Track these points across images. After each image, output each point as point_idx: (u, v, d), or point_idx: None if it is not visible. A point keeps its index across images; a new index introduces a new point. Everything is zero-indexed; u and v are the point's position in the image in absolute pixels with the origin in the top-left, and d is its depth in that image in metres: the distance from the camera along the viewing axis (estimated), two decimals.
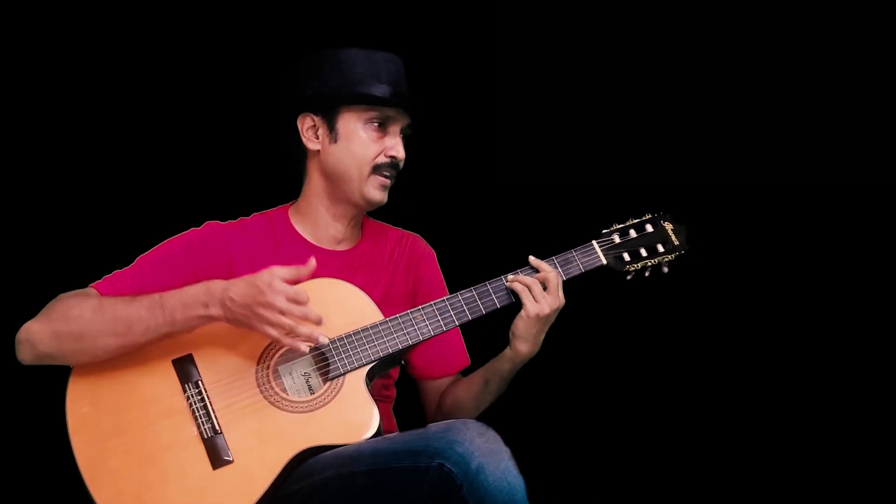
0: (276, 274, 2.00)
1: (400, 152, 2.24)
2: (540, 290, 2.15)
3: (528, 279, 2.17)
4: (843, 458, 2.94)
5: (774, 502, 2.96)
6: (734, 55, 2.96)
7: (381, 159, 2.23)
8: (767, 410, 3.00)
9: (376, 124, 2.23)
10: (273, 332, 2.00)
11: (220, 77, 2.97)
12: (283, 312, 1.99)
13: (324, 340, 2.04)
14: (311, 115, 2.24)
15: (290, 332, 2.00)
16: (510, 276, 2.19)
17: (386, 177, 2.23)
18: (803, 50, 2.94)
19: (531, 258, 2.20)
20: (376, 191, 2.24)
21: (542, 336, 2.19)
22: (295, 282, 2.03)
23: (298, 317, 2.00)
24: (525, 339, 2.17)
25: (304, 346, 2.02)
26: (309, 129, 2.25)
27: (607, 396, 3.05)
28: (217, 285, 2.04)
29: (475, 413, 2.29)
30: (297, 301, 1.99)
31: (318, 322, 2.02)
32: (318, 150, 2.25)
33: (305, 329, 2.01)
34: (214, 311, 2.04)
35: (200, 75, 2.97)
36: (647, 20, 2.99)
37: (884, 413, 2.94)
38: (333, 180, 2.25)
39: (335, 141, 2.23)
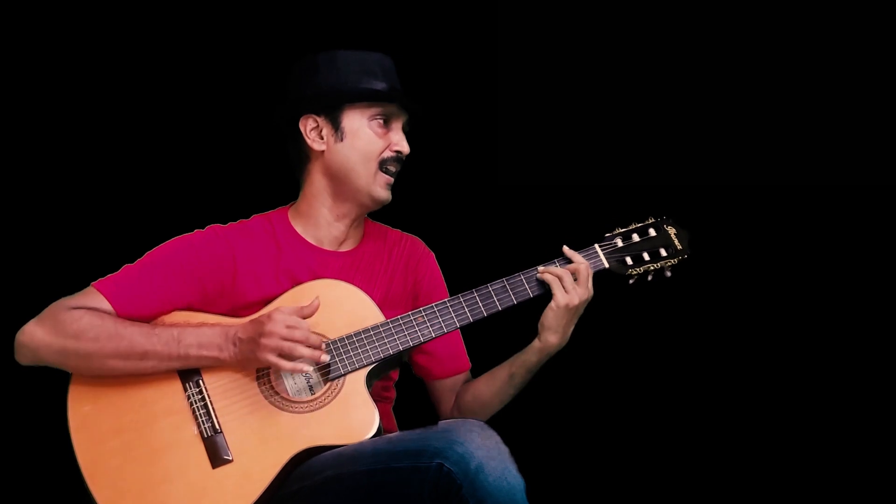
0: (279, 309, 2.08)
1: (405, 147, 2.25)
2: (570, 281, 2.16)
3: (558, 270, 2.17)
4: (844, 461, 2.94)
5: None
6: (736, 57, 2.96)
7: (387, 154, 2.24)
8: (769, 414, 3.00)
9: (381, 120, 2.24)
10: (274, 358, 2.06)
11: (220, 79, 2.98)
12: (283, 338, 2.05)
13: (325, 358, 2.08)
14: (314, 115, 2.24)
15: (292, 354, 2.05)
16: (541, 268, 2.20)
17: (391, 174, 2.25)
18: (804, 51, 2.94)
19: (565, 248, 2.21)
20: (383, 189, 2.25)
21: (571, 328, 2.20)
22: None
23: (298, 340, 2.05)
24: (555, 331, 2.17)
25: (307, 367, 2.07)
26: (312, 130, 2.25)
27: (608, 399, 3.05)
28: (231, 329, 2.10)
29: (498, 408, 2.30)
30: (296, 326, 2.06)
31: (318, 345, 2.07)
32: (323, 151, 2.25)
33: (306, 351, 2.06)
34: (226, 354, 2.09)
35: (201, 77, 2.98)
36: (647, 22, 2.99)
37: (884, 416, 2.94)
38: (339, 179, 2.25)
39: (341, 139, 2.23)
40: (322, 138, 2.24)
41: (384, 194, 2.25)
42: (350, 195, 2.26)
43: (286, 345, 2.04)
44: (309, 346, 2.05)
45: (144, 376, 2.11)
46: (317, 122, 2.24)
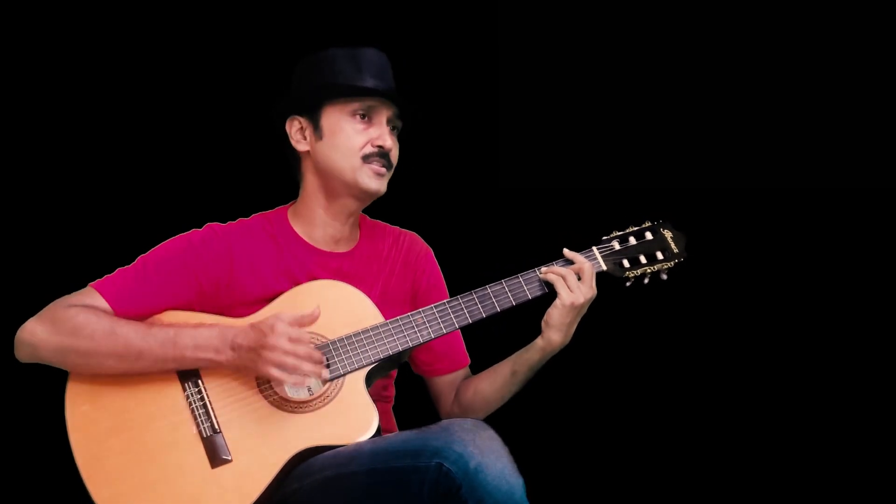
0: (280, 318, 2.05)
1: (387, 142, 2.22)
2: (574, 280, 2.17)
3: (562, 269, 2.19)
4: (844, 463, 2.95)
5: None
6: (733, 60, 2.98)
7: (369, 149, 2.22)
8: (765, 417, 3.01)
9: (360, 115, 2.22)
10: (277, 372, 2.04)
11: (221, 78, 2.98)
12: (286, 353, 2.03)
13: (326, 375, 2.07)
14: (298, 117, 2.26)
15: (295, 371, 2.04)
16: (544, 268, 2.21)
17: (379, 165, 2.23)
18: (801, 54, 2.95)
19: (566, 250, 2.23)
20: (371, 179, 2.22)
21: (574, 327, 2.20)
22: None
23: (302, 357, 2.04)
24: (558, 329, 2.18)
25: (309, 381, 2.09)
26: (297, 132, 2.27)
27: (606, 400, 3.06)
28: (228, 331, 2.08)
29: (499, 404, 2.31)
30: (299, 340, 2.04)
31: (320, 362, 2.06)
32: (308, 151, 2.26)
33: (308, 367, 2.04)
34: (223, 357, 2.08)
35: (202, 76, 2.99)
36: (647, 26, 3.01)
37: (883, 418, 2.95)
38: (328, 176, 2.25)
39: (321, 138, 2.24)
40: (306, 139, 2.26)
41: (374, 184, 2.22)
42: (342, 190, 2.25)
43: (289, 361, 2.02)
44: (311, 363, 2.04)
45: (143, 376, 2.10)
46: (300, 123, 2.26)
